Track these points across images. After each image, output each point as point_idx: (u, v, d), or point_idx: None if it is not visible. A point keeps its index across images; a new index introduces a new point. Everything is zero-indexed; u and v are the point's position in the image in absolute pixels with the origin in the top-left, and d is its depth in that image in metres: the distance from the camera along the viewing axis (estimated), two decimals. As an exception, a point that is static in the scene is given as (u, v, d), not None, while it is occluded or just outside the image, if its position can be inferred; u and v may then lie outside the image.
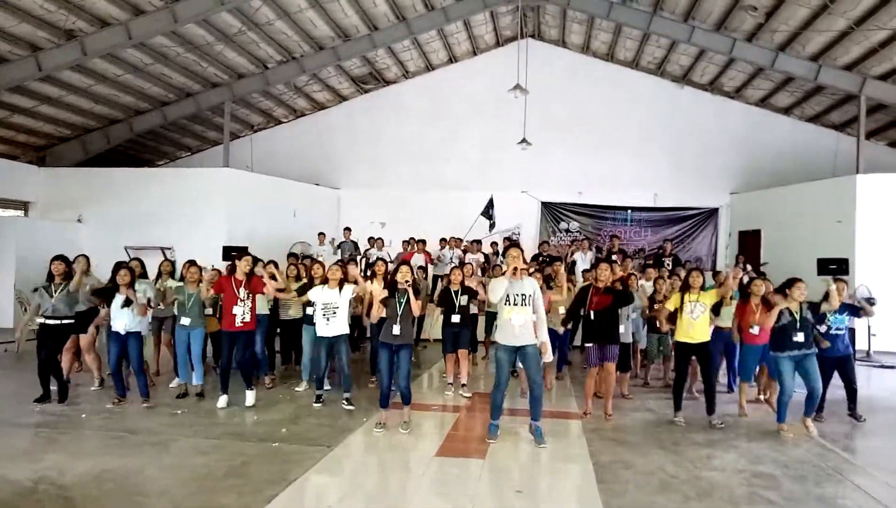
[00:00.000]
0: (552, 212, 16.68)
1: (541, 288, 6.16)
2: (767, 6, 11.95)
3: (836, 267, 10.74)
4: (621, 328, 7.53)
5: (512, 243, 7.21)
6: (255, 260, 7.53)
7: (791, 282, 6.46)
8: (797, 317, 6.33)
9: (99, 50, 11.74)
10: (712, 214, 16.19)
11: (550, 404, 7.19)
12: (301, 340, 8.11)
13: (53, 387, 7.05)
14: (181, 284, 7.63)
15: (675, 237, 15.58)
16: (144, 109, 15.13)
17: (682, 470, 5.14)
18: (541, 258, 11.88)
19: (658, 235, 16.03)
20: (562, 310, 7.93)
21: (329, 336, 6.90)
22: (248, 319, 6.95)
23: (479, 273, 11.19)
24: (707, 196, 16.14)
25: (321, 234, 14.47)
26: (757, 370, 7.69)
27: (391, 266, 8.26)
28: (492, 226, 15.35)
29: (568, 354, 9.11)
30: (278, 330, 9.02)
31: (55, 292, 6.96)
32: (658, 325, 7.90)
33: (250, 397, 7.00)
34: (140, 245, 13.09)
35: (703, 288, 6.68)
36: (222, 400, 6.95)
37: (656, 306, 8.02)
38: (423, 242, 13.86)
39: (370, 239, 14.36)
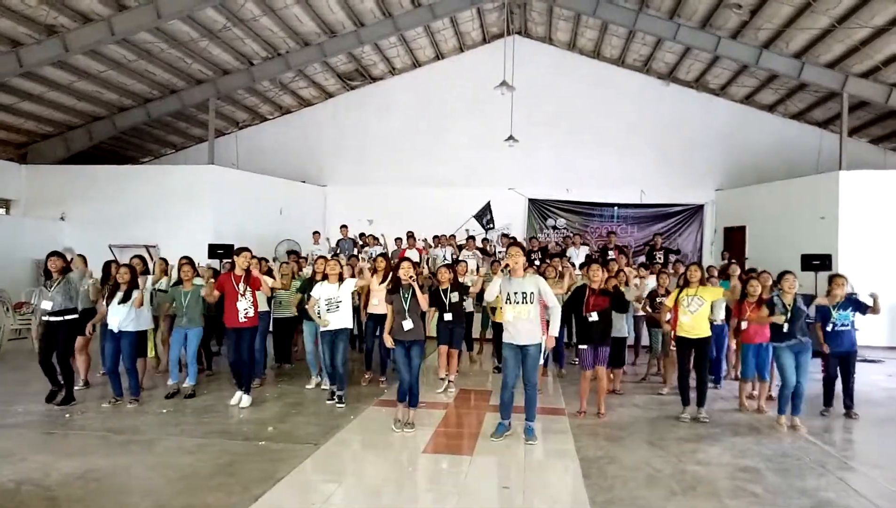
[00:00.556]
0: (539, 209, 16.73)
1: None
2: (752, 4, 12.05)
3: (819, 263, 10.94)
4: (619, 323, 7.62)
5: (513, 241, 7.18)
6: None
7: (781, 275, 6.61)
8: (789, 308, 6.44)
9: (81, 46, 11.59)
10: (698, 210, 16.30)
11: (539, 400, 7.20)
12: (292, 340, 8.08)
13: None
14: (175, 287, 7.56)
15: (662, 234, 15.67)
16: (128, 105, 14.97)
17: (668, 465, 5.19)
18: (532, 255, 11.90)
19: (644, 231, 16.12)
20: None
21: (332, 330, 6.89)
22: (251, 314, 6.91)
23: (476, 269, 11.20)
24: (692, 193, 16.26)
25: (316, 233, 14.45)
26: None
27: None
28: (488, 231, 15.31)
29: (564, 352, 9.13)
30: (271, 329, 8.98)
31: (51, 288, 6.86)
32: (659, 320, 8.00)
33: (246, 399, 6.94)
34: (124, 243, 12.97)
35: (702, 283, 6.73)
36: (242, 399, 6.90)
37: (658, 301, 8.10)
38: (413, 238, 13.86)
39: (361, 235, 14.32)
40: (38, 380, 7.05)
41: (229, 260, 7.21)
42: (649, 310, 8.31)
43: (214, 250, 11.82)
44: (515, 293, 5.68)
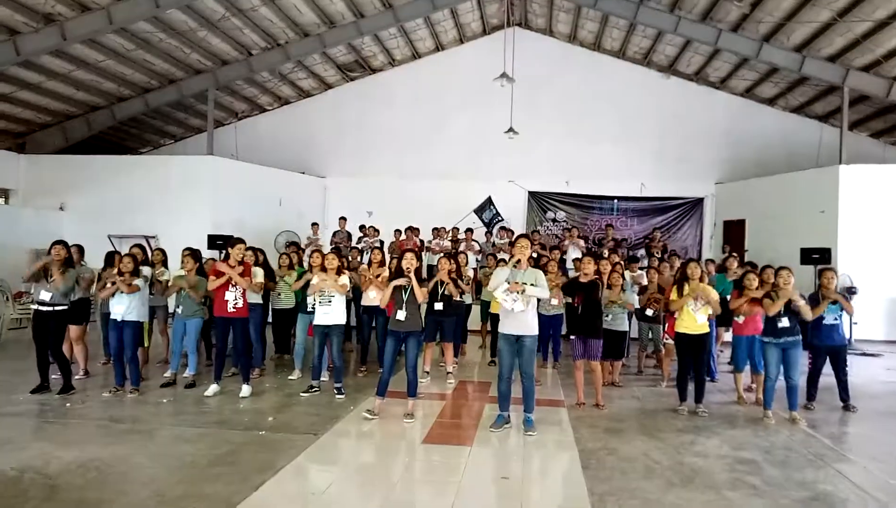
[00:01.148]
0: (539, 202, 16.72)
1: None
2: (753, -3, 12.02)
3: (818, 256, 10.95)
4: (618, 317, 7.65)
5: (521, 233, 7.18)
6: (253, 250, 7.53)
7: (776, 271, 6.58)
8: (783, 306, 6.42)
9: (79, 35, 11.53)
10: (698, 203, 16.30)
11: (538, 392, 7.22)
12: (292, 329, 8.09)
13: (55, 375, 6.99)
14: (183, 272, 7.56)
15: (661, 227, 15.68)
16: (127, 95, 14.91)
17: (666, 456, 5.21)
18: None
19: (644, 224, 16.12)
20: (554, 301, 8.04)
21: (324, 325, 6.89)
22: (240, 304, 6.91)
23: (474, 262, 11.21)
24: (692, 186, 16.23)
25: (314, 224, 14.47)
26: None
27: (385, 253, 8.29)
28: (489, 225, 15.21)
29: (560, 344, 9.15)
30: (270, 320, 8.98)
31: (51, 278, 6.84)
32: (655, 311, 8.05)
33: (246, 390, 6.95)
34: (123, 234, 12.96)
35: (701, 279, 6.74)
36: (212, 389, 6.92)
37: (650, 295, 8.12)
38: (417, 230, 13.86)
39: (361, 227, 14.31)
40: (38, 371, 7.04)
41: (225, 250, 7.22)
42: (654, 307, 8.31)
43: (213, 241, 11.80)
44: (518, 284, 5.70)
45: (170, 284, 7.76)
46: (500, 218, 15.65)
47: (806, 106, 15.66)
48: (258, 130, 17.58)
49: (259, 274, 7.54)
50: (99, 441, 5.27)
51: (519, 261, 5.77)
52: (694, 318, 6.60)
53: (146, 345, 7.87)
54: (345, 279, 6.95)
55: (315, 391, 7.07)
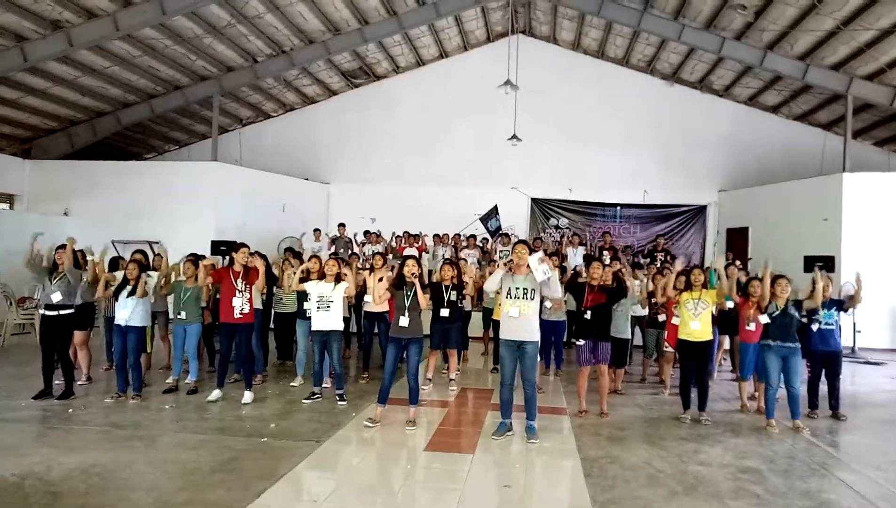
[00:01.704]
0: (542, 208, 16.72)
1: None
2: (757, 5, 12.01)
3: (822, 265, 10.91)
4: (621, 324, 7.64)
5: (520, 240, 7.18)
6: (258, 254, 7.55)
7: (774, 279, 6.59)
8: (779, 311, 6.47)
9: (86, 41, 11.59)
10: (700, 211, 16.28)
11: (539, 400, 7.21)
12: (294, 335, 8.11)
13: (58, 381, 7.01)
14: (181, 278, 7.62)
15: (664, 234, 15.65)
16: (132, 101, 14.98)
17: (669, 465, 5.19)
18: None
19: (647, 232, 16.11)
20: (548, 304, 7.99)
21: (323, 330, 6.90)
22: (246, 310, 6.93)
23: (477, 266, 11.18)
24: (695, 194, 16.23)
25: (317, 230, 14.48)
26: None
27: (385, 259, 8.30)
28: (493, 233, 15.17)
29: (563, 351, 9.13)
30: (272, 325, 8.99)
31: (53, 281, 6.88)
32: (656, 312, 8.06)
33: (248, 396, 6.96)
34: (127, 239, 13.00)
35: (705, 286, 6.74)
36: (214, 394, 6.93)
37: (654, 302, 8.12)
38: (417, 236, 13.88)
39: (366, 233, 14.33)
40: (41, 375, 7.05)
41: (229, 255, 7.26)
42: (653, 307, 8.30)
43: (217, 247, 11.83)
44: (517, 289, 5.73)
45: (161, 286, 7.77)
46: (503, 232, 15.60)
47: (809, 114, 15.66)
48: (262, 137, 17.64)
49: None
50: (101, 447, 5.27)
51: (515, 265, 5.75)
52: (691, 317, 6.59)
53: (149, 351, 7.89)
54: (343, 287, 6.95)
55: (317, 397, 7.07)
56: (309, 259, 8.01)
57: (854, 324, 11.22)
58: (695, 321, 6.59)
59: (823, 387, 7.06)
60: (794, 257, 11.40)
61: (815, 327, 6.91)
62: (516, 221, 16.44)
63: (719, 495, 4.57)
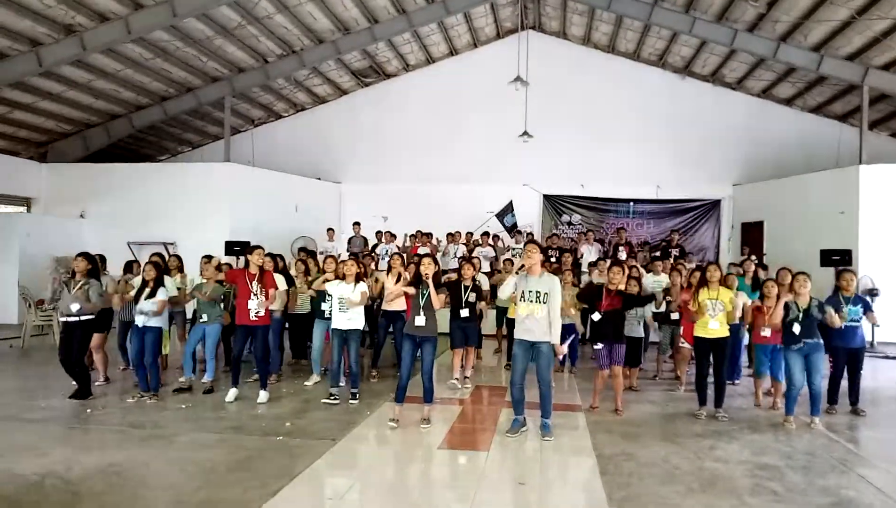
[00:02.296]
0: (554, 205, 16.66)
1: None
2: (769, -4, 11.90)
3: (838, 258, 10.80)
4: (633, 324, 7.62)
5: (530, 239, 7.17)
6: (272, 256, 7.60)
7: (793, 276, 6.52)
8: (800, 311, 6.33)
9: (99, 45, 11.71)
10: (715, 205, 16.16)
11: (555, 397, 7.20)
12: (309, 334, 8.13)
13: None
14: (203, 280, 7.66)
15: (678, 229, 15.54)
16: (145, 104, 15.11)
17: (686, 462, 5.15)
18: (549, 252, 11.82)
19: (661, 227, 16.01)
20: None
21: (343, 330, 6.91)
22: (262, 313, 6.94)
23: (489, 267, 11.16)
24: (709, 188, 16.10)
25: (330, 230, 14.52)
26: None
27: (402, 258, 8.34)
28: (510, 230, 15.10)
29: (578, 349, 9.08)
30: (287, 325, 9.02)
31: (73, 289, 6.94)
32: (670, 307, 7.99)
33: (263, 396, 6.99)
34: (143, 240, 13.12)
35: (721, 282, 6.67)
36: (231, 394, 6.96)
37: (668, 300, 8.06)
38: (430, 235, 13.87)
39: (378, 233, 14.36)
40: (60, 376, 7.14)
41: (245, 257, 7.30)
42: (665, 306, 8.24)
43: (231, 247, 11.90)
44: (530, 292, 5.67)
45: (187, 292, 7.84)
46: (512, 226, 15.57)
47: (824, 106, 15.48)
48: (274, 137, 17.72)
49: (281, 281, 7.58)
50: (119, 447, 5.33)
51: (525, 268, 5.72)
52: (709, 318, 6.54)
53: (166, 352, 7.95)
54: (363, 287, 6.95)
55: (335, 398, 6.98)
56: (324, 261, 8.05)
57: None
58: (713, 321, 6.53)
59: (843, 383, 6.98)
60: (810, 250, 11.28)
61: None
62: (529, 218, 16.38)
63: (737, 491, 4.53)
